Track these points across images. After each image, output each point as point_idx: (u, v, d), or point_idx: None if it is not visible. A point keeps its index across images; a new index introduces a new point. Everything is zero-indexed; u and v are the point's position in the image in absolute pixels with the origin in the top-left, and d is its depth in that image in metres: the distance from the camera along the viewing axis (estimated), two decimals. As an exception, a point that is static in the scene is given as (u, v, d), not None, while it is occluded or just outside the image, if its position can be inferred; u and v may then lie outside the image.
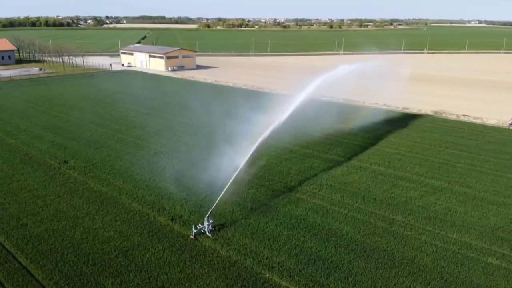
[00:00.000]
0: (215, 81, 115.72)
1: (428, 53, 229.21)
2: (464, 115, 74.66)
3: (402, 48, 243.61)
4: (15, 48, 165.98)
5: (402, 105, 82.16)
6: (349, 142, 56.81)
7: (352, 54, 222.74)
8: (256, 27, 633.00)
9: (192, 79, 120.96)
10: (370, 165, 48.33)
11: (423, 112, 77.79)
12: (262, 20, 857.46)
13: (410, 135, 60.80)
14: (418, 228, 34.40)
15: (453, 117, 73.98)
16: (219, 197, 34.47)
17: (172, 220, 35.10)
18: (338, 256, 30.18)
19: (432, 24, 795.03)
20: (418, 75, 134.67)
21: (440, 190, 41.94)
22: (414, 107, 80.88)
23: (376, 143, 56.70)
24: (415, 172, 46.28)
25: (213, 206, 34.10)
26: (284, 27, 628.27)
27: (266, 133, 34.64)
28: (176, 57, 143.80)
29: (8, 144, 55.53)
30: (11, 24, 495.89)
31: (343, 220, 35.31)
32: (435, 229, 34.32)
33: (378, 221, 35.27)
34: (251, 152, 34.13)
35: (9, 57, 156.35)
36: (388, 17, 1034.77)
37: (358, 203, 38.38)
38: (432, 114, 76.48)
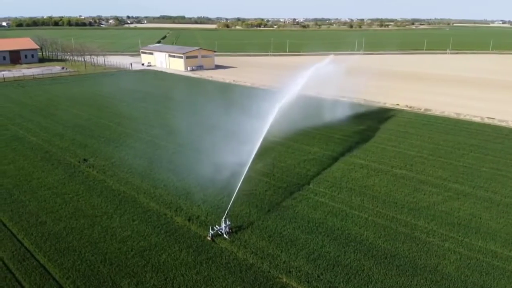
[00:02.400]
0: (233, 81, 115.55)
1: (451, 53, 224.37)
2: (488, 118, 72.47)
3: (424, 48, 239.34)
4: (38, 47, 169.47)
5: (424, 107, 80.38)
6: (370, 144, 55.65)
7: (372, 54, 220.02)
8: (275, 26, 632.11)
9: (211, 78, 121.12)
10: (391, 168, 47.17)
11: (445, 114, 75.85)
12: (281, 20, 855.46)
13: (433, 138, 59.22)
14: (441, 235, 33.27)
15: (477, 120, 71.87)
16: (232, 199, 34.03)
17: (189, 220, 34.88)
18: (358, 262, 29.37)
19: (455, 24, 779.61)
20: (440, 76, 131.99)
21: (464, 195, 40.58)
22: (437, 109, 78.98)
23: (397, 145, 55.40)
24: (438, 176, 44.96)
25: (228, 207, 33.66)
26: (303, 26, 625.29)
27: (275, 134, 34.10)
28: (195, 57, 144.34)
29: (29, 142, 56.37)
30: (34, 23, 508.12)
31: (363, 224, 34.43)
32: (459, 236, 33.15)
33: (399, 226, 34.27)
34: (256, 150, 33.63)
35: (32, 55, 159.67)
36: (409, 16, 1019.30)
37: (379, 207, 37.41)
38: (455, 116, 74.47)
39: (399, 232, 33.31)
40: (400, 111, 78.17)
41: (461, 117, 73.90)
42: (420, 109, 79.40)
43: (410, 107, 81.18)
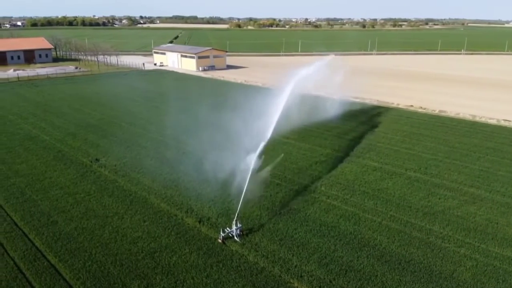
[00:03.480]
0: (245, 81, 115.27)
1: (466, 53, 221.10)
2: (504, 120, 70.95)
3: (439, 48, 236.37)
4: (52, 47, 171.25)
5: (439, 108, 79.08)
6: (383, 147, 54.80)
7: (385, 54, 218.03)
8: (287, 26, 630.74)
9: (222, 79, 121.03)
10: (406, 170, 46.33)
11: (460, 116, 74.47)
12: (293, 20, 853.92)
13: (448, 140, 58.10)
14: (456, 240, 32.45)
15: (493, 122, 70.41)
16: (241, 200, 33.51)
17: (199, 222, 34.61)
18: (371, 267, 28.75)
19: (469, 24, 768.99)
20: (454, 76, 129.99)
21: (481, 199, 39.62)
22: (451, 110, 77.62)
23: (411, 147, 54.47)
24: (454, 180, 43.99)
25: (238, 208, 33.17)
26: (316, 26, 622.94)
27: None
28: (207, 57, 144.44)
29: (42, 141, 56.77)
30: (49, 23, 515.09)
31: (377, 229, 33.75)
32: (475, 242, 32.30)
33: (414, 231, 33.52)
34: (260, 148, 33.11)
35: (46, 55, 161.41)
36: (423, 16, 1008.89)
37: (393, 211, 36.67)
38: (470, 118, 73.06)
39: (413, 237, 32.58)
40: (414, 112, 77.03)
41: (477, 119, 72.48)
42: (435, 111, 78.12)
43: (424, 108, 79.94)
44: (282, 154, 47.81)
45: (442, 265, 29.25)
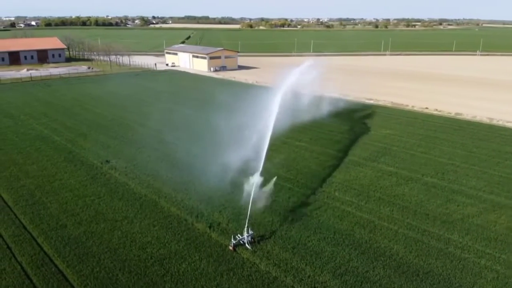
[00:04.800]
0: (256, 82, 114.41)
1: (481, 54, 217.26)
2: (524, 123, 68.98)
3: (453, 49, 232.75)
4: (65, 47, 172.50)
5: (455, 110, 77.26)
6: (398, 150, 53.43)
7: (399, 55, 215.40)
8: (299, 26, 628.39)
9: (233, 79, 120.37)
10: (422, 176, 44.94)
11: (477, 118, 72.59)
12: (305, 20, 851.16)
13: (465, 144, 56.46)
14: (476, 250, 31.12)
15: (511, 125, 68.44)
16: (249, 207, 32.57)
17: (210, 227, 33.81)
18: (388, 278, 27.59)
19: (484, 25, 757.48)
20: (470, 78, 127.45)
21: (501, 207, 38.13)
22: (468, 113, 75.73)
23: (428, 151, 53.00)
24: (472, 186, 42.52)
25: (248, 215, 32.20)
26: (328, 26, 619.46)
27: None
28: (219, 57, 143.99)
29: (53, 142, 56.61)
30: (63, 23, 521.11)
31: (393, 237, 32.56)
32: (496, 252, 30.95)
33: (432, 240, 32.25)
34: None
35: (60, 55, 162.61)
36: (437, 16, 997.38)
37: (409, 219, 35.41)
38: (487, 121, 71.16)
39: (431, 247, 31.33)
40: (430, 115, 75.33)
41: (494, 122, 70.54)
42: (450, 113, 76.32)
43: (440, 110, 78.18)
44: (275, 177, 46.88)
45: (462, 277, 28.00)
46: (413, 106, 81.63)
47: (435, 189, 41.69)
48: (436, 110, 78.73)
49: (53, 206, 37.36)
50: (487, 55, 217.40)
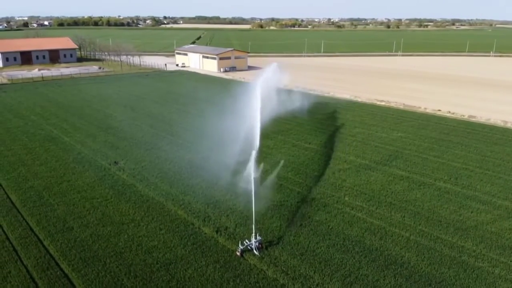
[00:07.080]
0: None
1: (495, 55, 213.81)
2: (540, 127, 67.27)
3: (466, 50, 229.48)
4: (77, 47, 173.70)
5: (468, 113, 75.73)
6: (410, 154, 52.31)
7: (411, 55, 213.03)
8: (310, 27, 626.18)
9: (243, 80, 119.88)
10: (435, 181, 43.86)
11: (491, 121, 71.01)
12: (316, 20, 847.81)
13: (479, 148, 55.11)
14: (491, 259, 30.12)
15: (527, 129, 66.85)
16: (253, 211, 31.72)
17: (217, 232, 33.28)
18: (399, 288, 26.81)
19: (497, 26, 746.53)
20: (484, 79, 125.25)
21: (516, 214, 37.00)
22: (482, 116, 74.17)
23: (440, 155, 51.81)
24: (487, 192, 41.36)
25: (253, 220, 31.46)
26: (339, 26, 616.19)
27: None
28: (229, 58, 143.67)
29: (63, 142, 56.63)
30: (75, 23, 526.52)
31: (404, 245, 31.67)
32: (511, 261, 29.90)
33: (444, 248, 31.30)
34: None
35: (71, 55, 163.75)
36: (449, 17, 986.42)
37: (422, 226, 34.46)
38: (502, 124, 69.56)
39: (444, 255, 30.39)
40: (442, 117, 73.91)
41: (509, 125, 68.91)
42: (464, 116, 74.81)
43: (453, 113, 76.71)
44: (282, 161, 46.11)
45: (475, 287, 27.07)
46: (425, 108, 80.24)
47: (448, 194, 40.62)
48: (449, 112, 77.29)
49: (60, 208, 37.18)
50: (501, 56, 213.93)
